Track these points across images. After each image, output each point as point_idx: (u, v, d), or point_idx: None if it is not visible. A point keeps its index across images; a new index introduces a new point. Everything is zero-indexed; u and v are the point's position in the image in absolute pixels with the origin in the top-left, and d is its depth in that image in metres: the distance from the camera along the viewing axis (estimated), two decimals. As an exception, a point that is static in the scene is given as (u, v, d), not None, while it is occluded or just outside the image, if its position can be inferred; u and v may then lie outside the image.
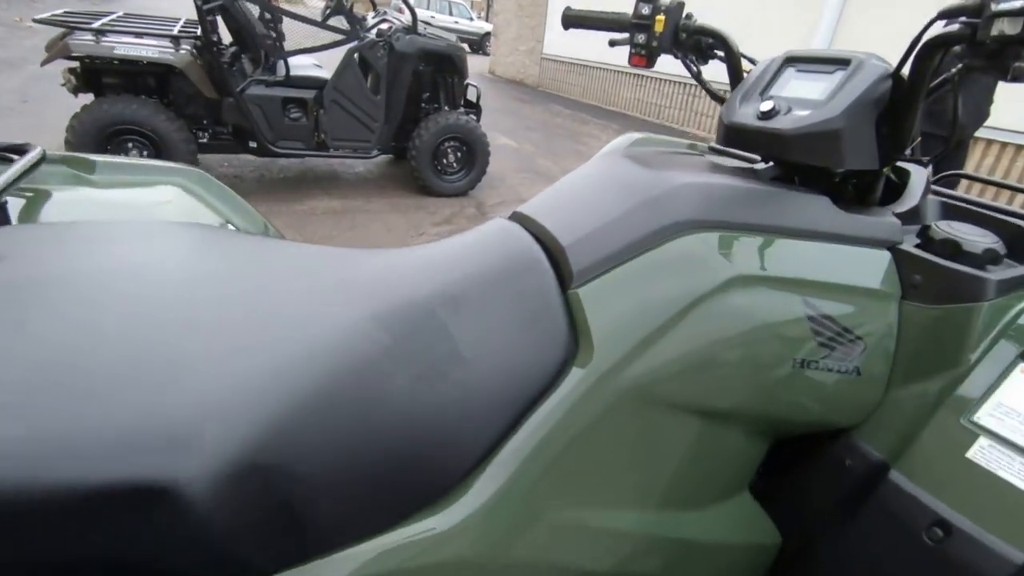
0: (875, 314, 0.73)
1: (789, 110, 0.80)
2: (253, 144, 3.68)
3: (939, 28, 0.69)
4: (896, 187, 0.90)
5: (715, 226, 0.70)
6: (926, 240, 0.77)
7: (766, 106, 0.80)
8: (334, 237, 3.36)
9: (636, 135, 1.53)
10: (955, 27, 0.66)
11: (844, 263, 0.74)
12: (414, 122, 4.13)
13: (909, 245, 0.77)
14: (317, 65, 4.19)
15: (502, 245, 0.72)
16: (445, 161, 4.19)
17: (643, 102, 9.08)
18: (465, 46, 4.12)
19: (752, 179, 0.78)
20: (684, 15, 0.95)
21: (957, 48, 0.68)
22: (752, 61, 0.97)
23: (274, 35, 3.82)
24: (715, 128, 0.92)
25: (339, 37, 3.60)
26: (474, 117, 4.43)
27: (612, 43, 1.09)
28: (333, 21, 3.81)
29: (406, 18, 3.92)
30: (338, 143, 3.82)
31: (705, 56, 1.00)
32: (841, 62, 0.80)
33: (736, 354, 0.69)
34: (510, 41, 12.22)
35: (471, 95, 4.54)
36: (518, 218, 0.81)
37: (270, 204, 3.74)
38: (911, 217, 0.85)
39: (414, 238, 3.49)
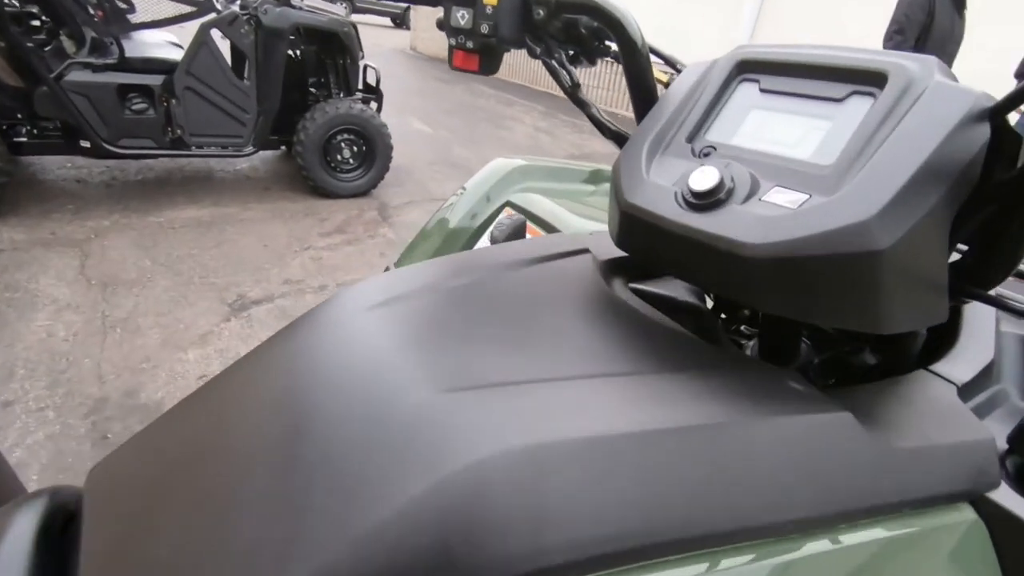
0: None
1: (753, 191, 0.36)
2: (86, 144, 2.96)
3: None
4: None
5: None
6: None
7: (702, 180, 0.36)
8: (192, 257, 2.75)
9: (510, 163, 1.07)
10: None
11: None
12: (301, 112, 3.52)
13: (1010, 492, 0.36)
14: (175, 44, 3.47)
15: None
16: (339, 157, 3.61)
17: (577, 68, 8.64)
18: (348, 20, 3.50)
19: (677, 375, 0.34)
20: None
21: None
22: (674, 66, 0.52)
23: (123, 6, 3.08)
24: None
25: (189, 9, 2.92)
26: (373, 105, 3.85)
27: (441, 25, 0.62)
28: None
29: None
30: (199, 139, 3.15)
31: (589, 52, 0.55)
32: (863, 77, 0.36)
33: None
34: (432, 14, 11.41)
35: (371, 78, 3.95)
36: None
37: (118, 215, 3.06)
38: (979, 387, 0.44)
39: (296, 254, 2.92)
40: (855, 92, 0.37)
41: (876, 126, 0.34)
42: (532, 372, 0.32)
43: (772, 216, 0.34)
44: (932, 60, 0.36)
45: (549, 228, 0.88)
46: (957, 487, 0.35)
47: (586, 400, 0.30)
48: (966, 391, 0.43)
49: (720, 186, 0.36)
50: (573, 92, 0.54)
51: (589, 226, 0.88)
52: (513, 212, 0.96)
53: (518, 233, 0.59)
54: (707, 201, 0.36)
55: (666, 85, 0.52)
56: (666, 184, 0.40)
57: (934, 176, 0.32)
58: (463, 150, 5.15)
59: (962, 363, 0.44)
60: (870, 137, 0.34)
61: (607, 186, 1.07)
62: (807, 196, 0.34)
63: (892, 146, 0.33)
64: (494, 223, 0.62)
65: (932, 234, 0.33)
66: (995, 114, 0.33)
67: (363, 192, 3.76)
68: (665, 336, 0.39)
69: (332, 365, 0.33)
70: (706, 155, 0.41)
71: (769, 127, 0.39)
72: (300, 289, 2.59)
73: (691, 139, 0.42)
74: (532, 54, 0.53)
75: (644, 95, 0.49)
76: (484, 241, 0.99)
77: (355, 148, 3.63)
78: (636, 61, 0.49)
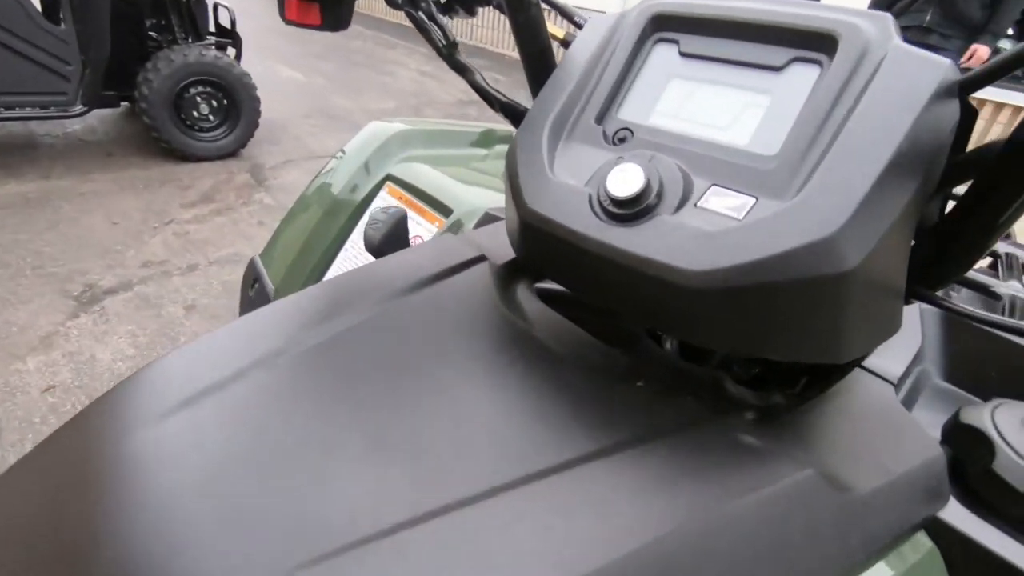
0: None
1: (686, 194, 0.27)
2: None
3: None
4: None
5: None
6: (983, 477, 0.34)
7: (624, 183, 0.27)
8: (20, 244, 2.31)
9: (389, 128, 0.92)
10: None
11: None
12: (142, 61, 3.01)
13: (959, 508, 0.33)
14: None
15: None
16: (196, 113, 3.16)
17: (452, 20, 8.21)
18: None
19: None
20: None
21: None
22: (572, 19, 0.43)
23: None
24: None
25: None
26: (231, 51, 3.39)
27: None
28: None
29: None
30: (8, 99, 2.61)
31: (466, 0, 0.43)
32: (807, 40, 0.29)
33: None
34: (291, -56, 10.23)
35: (224, 20, 3.46)
36: None
37: (-90, 199, 2.49)
38: (908, 374, 0.41)
39: (156, 230, 2.55)
40: (797, 59, 0.29)
41: (828, 104, 0.27)
42: (422, 498, 0.23)
43: (714, 231, 0.26)
44: (887, 19, 0.29)
45: (437, 205, 0.77)
46: (916, 517, 0.32)
47: (501, 542, 0.21)
48: (899, 384, 0.40)
49: (646, 190, 0.28)
50: (449, 54, 0.42)
51: (483, 199, 0.78)
52: (394, 188, 0.83)
53: (397, 230, 0.49)
54: (631, 211, 0.28)
55: (563, 43, 0.42)
56: (577, 184, 0.31)
57: (905, 169, 0.26)
58: (343, 99, 4.75)
59: (892, 354, 0.41)
60: (822, 119, 0.27)
61: (500, 149, 0.97)
62: (753, 200, 0.27)
63: (852, 133, 0.26)
64: (368, 216, 0.51)
65: (900, 239, 0.27)
66: (964, 90, 0.27)
67: (230, 152, 3.35)
68: (584, 373, 0.32)
69: (97, 535, 0.22)
70: (621, 140, 0.32)
71: (694, 103, 0.31)
72: (164, 271, 2.27)
73: (601, 119, 0.33)
74: (391, 3, 0.41)
75: (538, 58, 0.39)
76: (366, 221, 0.86)
77: (214, 102, 3.19)
78: (525, 12, 0.39)
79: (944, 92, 0.26)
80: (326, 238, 0.88)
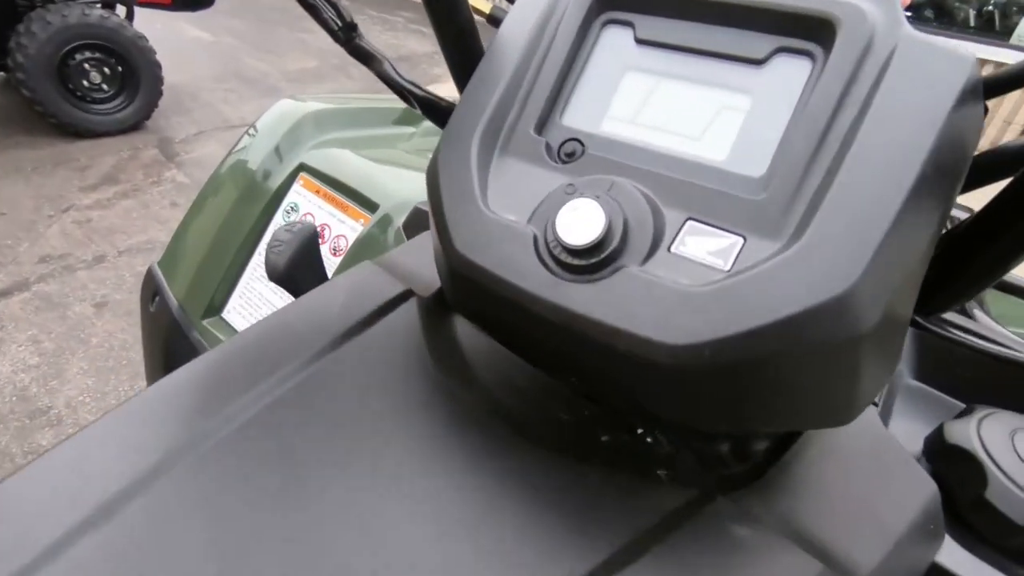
0: None
1: (657, 236, 0.20)
2: None
3: None
4: None
5: None
6: (975, 505, 0.30)
7: (579, 227, 0.20)
8: None
9: (300, 108, 0.80)
10: None
11: None
12: (12, 24, 2.64)
13: (954, 547, 0.30)
14: None
15: None
16: (87, 83, 2.82)
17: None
18: None
19: None
20: None
21: None
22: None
23: None
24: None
25: None
26: (121, 10, 3.02)
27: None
28: None
29: None
30: None
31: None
32: (796, 25, 0.22)
33: None
34: None
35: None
36: None
37: None
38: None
39: (52, 219, 2.29)
40: (782, 49, 0.23)
41: (826, 111, 0.21)
42: None
43: (695, 289, 0.20)
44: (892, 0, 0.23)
45: (360, 199, 0.68)
46: (917, 571, 0.28)
47: None
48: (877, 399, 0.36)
49: (608, 236, 0.21)
50: (347, 39, 0.34)
51: (413, 187, 0.69)
52: (309, 179, 0.73)
53: (306, 252, 0.40)
54: (589, 261, 0.21)
55: (491, 20, 0.34)
56: (518, 220, 0.24)
57: (928, 196, 0.20)
58: (258, 61, 4.38)
59: None
60: (820, 131, 0.21)
61: (429, 125, 0.88)
62: (740, 240, 0.21)
63: (862, 151, 0.20)
64: (271, 235, 0.42)
65: (917, 275, 0.22)
66: (991, 90, 0.22)
67: (132, 126, 3.03)
68: (537, 444, 0.26)
69: None
70: (569, 156, 0.25)
71: (655, 105, 0.25)
72: (67, 266, 2.05)
73: (542, 127, 0.26)
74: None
75: (459, 42, 0.31)
76: (279, 219, 0.76)
77: (106, 69, 2.85)
78: None
79: (970, 94, 0.21)
80: (238, 235, 0.77)
